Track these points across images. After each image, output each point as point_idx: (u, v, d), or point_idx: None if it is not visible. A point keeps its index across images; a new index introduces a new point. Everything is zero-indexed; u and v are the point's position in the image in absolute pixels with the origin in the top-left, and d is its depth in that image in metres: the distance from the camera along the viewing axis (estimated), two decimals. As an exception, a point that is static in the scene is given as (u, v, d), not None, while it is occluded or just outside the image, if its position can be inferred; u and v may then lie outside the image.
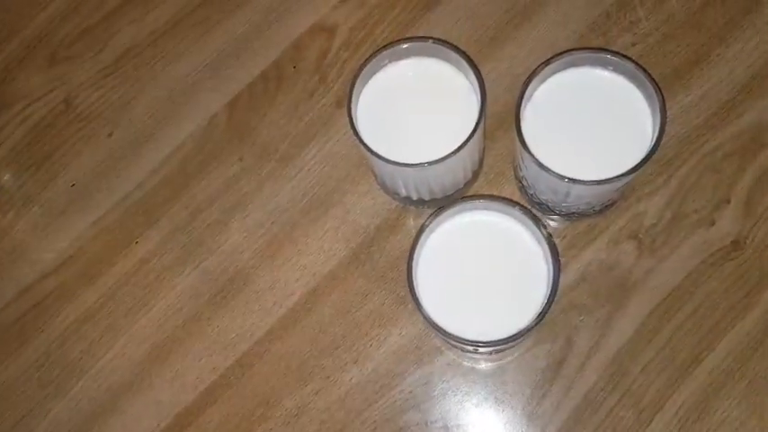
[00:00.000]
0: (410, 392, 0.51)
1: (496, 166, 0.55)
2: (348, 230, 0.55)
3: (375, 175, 0.54)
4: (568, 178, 0.45)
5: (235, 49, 0.60)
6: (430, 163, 0.46)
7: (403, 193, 0.53)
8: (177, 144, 0.58)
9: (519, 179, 0.53)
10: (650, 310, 0.51)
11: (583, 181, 0.45)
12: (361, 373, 0.51)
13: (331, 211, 0.55)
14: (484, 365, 0.52)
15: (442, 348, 0.52)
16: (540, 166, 0.45)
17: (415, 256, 0.45)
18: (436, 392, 0.51)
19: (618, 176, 0.45)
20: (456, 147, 0.46)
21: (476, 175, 0.54)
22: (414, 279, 0.45)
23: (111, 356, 0.54)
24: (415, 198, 0.53)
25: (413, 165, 0.46)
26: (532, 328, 0.43)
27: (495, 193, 0.54)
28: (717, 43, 0.56)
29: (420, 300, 0.44)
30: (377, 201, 0.55)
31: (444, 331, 0.44)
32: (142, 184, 0.58)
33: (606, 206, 0.52)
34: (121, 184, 0.58)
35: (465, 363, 0.51)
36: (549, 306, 0.43)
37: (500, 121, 0.55)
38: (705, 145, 0.54)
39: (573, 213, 0.52)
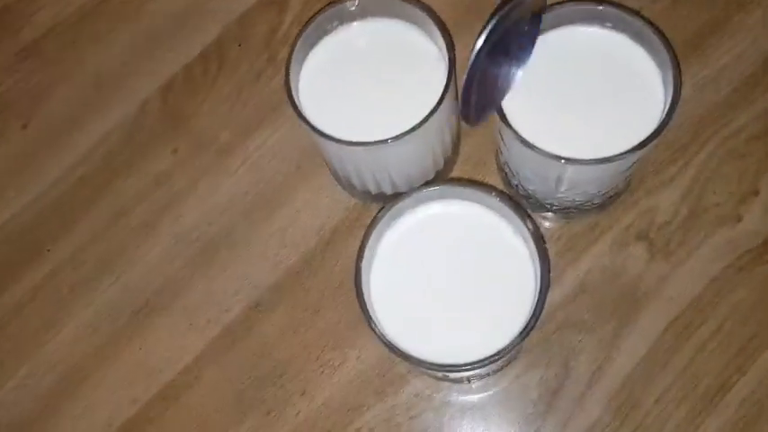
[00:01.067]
0: (370, 430, 0.44)
1: (475, 155, 0.49)
2: (298, 233, 0.48)
3: (328, 166, 0.47)
4: (560, 157, 0.37)
5: (171, 26, 0.55)
6: (388, 140, 0.38)
7: (360, 186, 0.45)
8: (102, 135, 0.52)
9: (501, 167, 0.46)
10: (665, 327, 0.45)
11: (578, 160, 0.37)
12: (310, 407, 0.45)
13: (278, 210, 0.49)
14: (461, 397, 0.45)
15: (409, 377, 0.45)
16: (525, 143, 0.38)
17: (367, 257, 0.38)
18: (402, 430, 0.44)
19: (621, 154, 0.37)
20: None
21: (449, 163, 0.47)
22: (365, 289, 0.38)
23: (12, 387, 0.48)
24: (374, 192, 0.46)
25: (366, 143, 0.39)
26: (515, 347, 0.36)
27: (474, 185, 0.47)
28: (736, 8, 0.50)
29: (374, 315, 0.37)
30: (333, 198, 0.49)
31: (405, 354, 0.36)
32: (58, 182, 0.52)
33: (609, 198, 0.45)
34: (35, 183, 0.52)
35: (436, 394, 0.45)
36: (536, 320, 0.36)
37: (479, 101, 0.48)
38: (726, 126, 0.48)
39: (568, 209, 0.45)
